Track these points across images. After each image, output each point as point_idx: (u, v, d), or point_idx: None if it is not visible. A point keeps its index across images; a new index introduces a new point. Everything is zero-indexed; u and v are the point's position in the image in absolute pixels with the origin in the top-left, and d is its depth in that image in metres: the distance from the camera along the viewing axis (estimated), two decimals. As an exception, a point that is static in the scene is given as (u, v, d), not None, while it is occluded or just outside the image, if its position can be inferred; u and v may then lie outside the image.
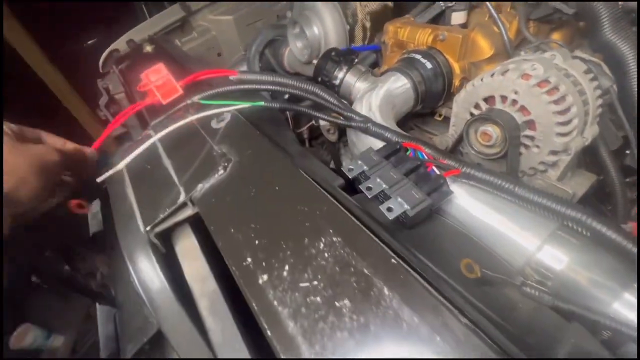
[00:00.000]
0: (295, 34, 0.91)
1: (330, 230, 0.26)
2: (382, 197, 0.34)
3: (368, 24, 0.88)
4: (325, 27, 0.85)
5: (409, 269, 0.23)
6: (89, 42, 2.39)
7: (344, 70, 0.61)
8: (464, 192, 0.37)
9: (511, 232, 0.34)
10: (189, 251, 0.35)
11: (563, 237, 0.31)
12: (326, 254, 0.25)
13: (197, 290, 0.31)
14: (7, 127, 0.40)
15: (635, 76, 0.50)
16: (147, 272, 0.32)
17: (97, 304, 0.46)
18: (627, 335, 0.25)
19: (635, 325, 0.26)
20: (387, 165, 0.36)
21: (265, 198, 0.31)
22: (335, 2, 0.85)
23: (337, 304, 0.22)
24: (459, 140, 0.53)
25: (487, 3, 0.61)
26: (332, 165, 0.85)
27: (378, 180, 0.34)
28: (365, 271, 0.23)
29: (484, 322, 0.21)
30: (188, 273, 0.33)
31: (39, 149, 0.38)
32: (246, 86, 0.45)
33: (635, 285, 0.28)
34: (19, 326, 0.97)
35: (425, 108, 0.65)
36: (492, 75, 0.47)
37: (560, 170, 0.47)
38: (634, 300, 0.27)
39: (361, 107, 0.54)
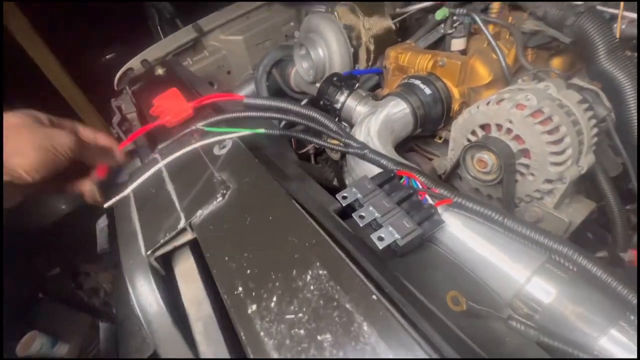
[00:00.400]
0: (302, 55, 0.95)
1: (317, 263, 0.28)
2: (375, 225, 0.35)
3: (372, 47, 0.91)
4: (330, 50, 0.88)
5: (389, 306, 0.24)
6: (107, 57, 2.49)
7: (345, 94, 0.63)
8: (457, 221, 0.38)
9: (502, 263, 0.34)
10: (187, 274, 0.36)
11: (552, 271, 0.32)
12: (312, 287, 0.26)
13: (193, 314, 0.32)
14: (39, 116, 0.42)
15: (634, 105, 0.51)
16: (146, 295, 0.34)
17: (100, 321, 0.48)
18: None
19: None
20: (381, 194, 0.37)
21: (259, 227, 0.33)
22: (340, 26, 0.88)
23: (319, 337, 0.23)
24: (457, 165, 0.54)
25: (486, 31, 0.62)
26: (335, 182, 0.87)
27: (371, 208, 0.35)
28: (347, 306, 0.24)
29: (460, 357, 0.21)
30: (185, 296, 0.34)
31: (52, 132, 0.40)
32: (251, 113, 0.47)
33: (622, 323, 0.28)
34: (26, 334, 1.00)
35: (425, 131, 0.66)
36: (488, 103, 0.48)
37: (557, 198, 0.47)
38: (621, 337, 0.28)
39: (361, 131, 0.56)
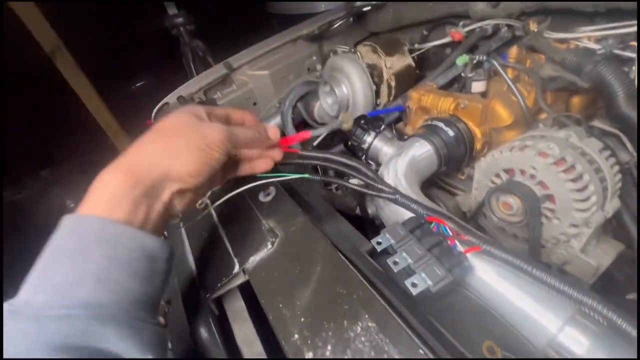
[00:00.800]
0: (326, 91, 1.01)
1: (366, 316, 0.31)
2: (408, 270, 0.38)
3: (393, 83, 0.96)
4: (353, 87, 0.94)
5: (434, 359, 0.26)
6: (137, 85, 2.66)
7: (372, 136, 0.67)
8: (487, 267, 0.40)
9: (532, 310, 0.36)
10: (237, 315, 0.40)
11: (582, 322, 0.33)
12: (363, 338, 0.29)
13: (246, 352, 0.36)
14: (198, 112, 0.40)
15: (656, 149, 0.52)
16: (205, 333, 0.37)
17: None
18: None
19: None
20: (412, 240, 0.40)
21: (308, 277, 0.36)
22: (363, 65, 0.94)
23: (374, 387, 0.26)
24: (481, 205, 0.56)
25: (506, 76, 0.66)
26: (357, 210, 0.90)
27: (404, 254, 0.38)
28: (397, 358, 0.27)
29: None
30: (238, 335, 0.38)
31: (205, 128, 0.38)
32: (304, 161, 0.50)
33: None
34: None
35: (449, 170, 0.69)
36: (512, 149, 0.51)
37: (583, 241, 0.49)
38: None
39: (389, 172, 0.60)
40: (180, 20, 1.30)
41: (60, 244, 0.31)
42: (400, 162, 0.61)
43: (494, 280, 0.39)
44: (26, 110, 1.96)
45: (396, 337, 0.28)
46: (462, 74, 0.73)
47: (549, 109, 0.61)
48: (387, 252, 0.41)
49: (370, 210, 0.86)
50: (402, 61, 0.96)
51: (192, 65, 1.34)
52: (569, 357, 0.33)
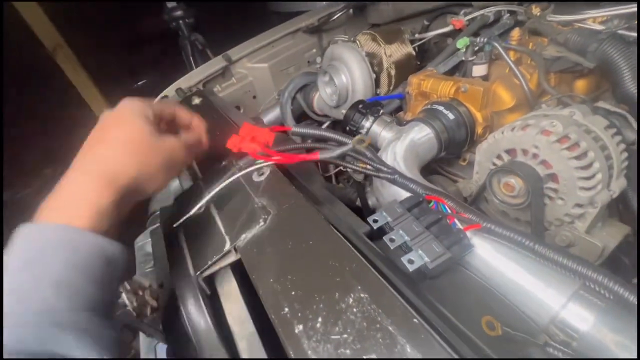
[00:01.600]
0: (325, 81, 1.00)
1: (359, 287, 0.29)
2: (405, 248, 0.37)
3: (393, 72, 0.95)
4: (352, 76, 0.93)
5: (430, 329, 0.25)
6: (139, 83, 2.67)
7: (371, 120, 0.66)
8: (487, 245, 0.39)
9: (534, 288, 0.35)
10: (230, 294, 0.39)
11: (587, 298, 0.32)
12: (355, 309, 0.28)
13: (237, 332, 0.35)
14: (148, 109, 0.42)
15: (663, 128, 0.51)
16: (195, 312, 0.36)
17: (141, 336, 0.50)
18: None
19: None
20: (410, 218, 0.38)
21: (300, 251, 0.35)
22: (362, 54, 0.93)
23: (364, 357, 0.25)
24: (483, 188, 0.55)
25: (507, 58, 0.64)
26: (358, 202, 0.89)
27: (401, 232, 0.37)
28: (390, 329, 0.26)
29: None
30: (229, 314, 0.37)
31: (168, 143, 0.42)
32: (297, 145, 0.51)
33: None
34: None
35: (449, 154, 0.67)
36: (513, 129, 0.50)
37: (588, 222, 0.47)
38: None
39: (387, 156, 0.58)
40: (179, 13, 1.30)
41: (18, 252, 0.31)
42: (399, 146, 0.59)
43: (494, 259, 0.38)
44: (27, 108, 1.97)
45: (389, 307, 0.27)
46: (463, 58, 0.71)
47: (552, 90, 0.59)
48: (384, 232, 0.40)
49: (371, 202, 0.84)
50: (402, 49, 0.95)
51: (191, 59, 1.34)
52: (574, 334, 0.31)
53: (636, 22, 0.59)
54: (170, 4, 1.31)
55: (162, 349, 0.48)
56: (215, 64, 1.20)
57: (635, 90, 0.52)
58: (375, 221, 0.39)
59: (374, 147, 0.68)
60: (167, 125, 0.48)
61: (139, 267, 0.65)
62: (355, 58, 0.91)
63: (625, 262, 0.53)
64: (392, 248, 0.36)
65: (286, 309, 0.30)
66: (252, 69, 1.29)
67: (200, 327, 0.35)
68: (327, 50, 1.00)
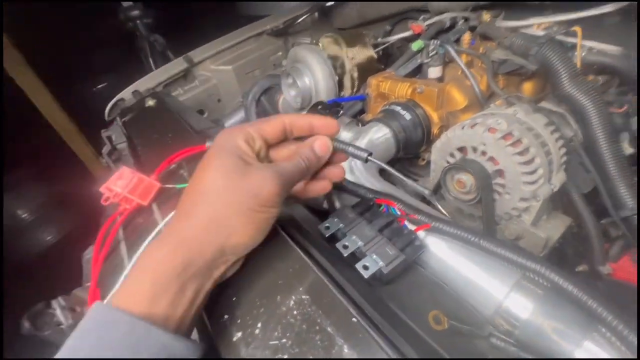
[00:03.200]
0: (289, 84, 0.99)
1: (300, 288, 0.28)
2: (359, 254, 0.36)
3: (356, 74, 0.96)
4: (315, 78, 0.93)
5: (368, 328, 0.25)
6: (98, 87, 2.52)
7: (330, 121, 0.65)
8: (440, 243, 0.39)
9: (481, 280, 0.36)
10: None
11: (527, 287, 0.33)
12: (295, 312, 0.27)
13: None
14: (242, 133, 0.32)
15: (597, 125, 0.54)
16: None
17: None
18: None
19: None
20: (362, 222, 0.38)
21: (246, 256, 0.34)
22: (325, 56, 0.93)
23: (301, 361, 0.24)
24: (438, 186, 0.56)
25: (459, 60, 0.67)
26: (325, 204, 0.88)
27: (354, 237, 0.36)
28: (329, 329, 0.25)
29: None
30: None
31: (253, 183, 0.30)
32: None
33: (595, 335, 0.29)
34: None
35: (408, 154, 0.69)
36: (463, 128, 0.52)
37: (533, 215, 0.50)
38: (594, 348, 0.29)
39: (345, 157, 0.58)
40: (136, 13, 1.24)
41: (78, 343, 0.26)
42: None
43: (446, 256, 0.39)
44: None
45: (330, 307, 0.26)
46: (419, 60, 0.73)
47: (499, 91, 0.62)
48: (337, 238, 0.39)
49: (338, 204, 0.84)
50: (364, 52, 0.96)
51: (150, 61, 1.28)
52: (516, 322, 0.32)
53: (575, 28, 0.64)
54: (125, 4, 1.25)
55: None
56: (176, 65, 1.15)
57: (572, 91, 0.56)
58: (327, 228, 0.39)
59: (335, 148, 0.68)
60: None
61: (85, 280, 0.60)
62: (318, 60, 0.91)
63: (568, 253, 0.57)
64: (345, 255, 0.35)
65: (226, 317, 0.29)
66: (215, 71, 1.26)
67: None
68: (290, 52, 1.00)
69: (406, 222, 0.40)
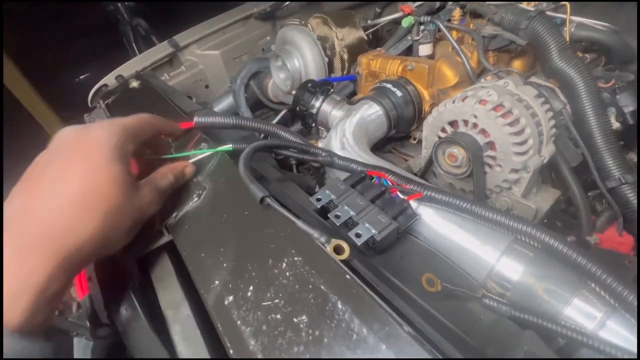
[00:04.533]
0: (278, 66, 0.97)
1: (293, 251, 0.28)
2: (351, 224, 0.36)
3: (346, 56, 0.94)
4: (305, 60, 0.91)
5: (361, 284, 0.24)
6: (81, 77, 2.44)
7: (320, 99, 0.64)
8: (432, 212, 0.39)
9: (473, 246, 0.36)
10: (164, 278, 0.35)
11: (518, 250, 0.33)
12: (287, 273, 0.26)
13: (171, 316, 0.32)
14: (127, 143, 0.33)
15: (586, 99, 0.55)
16: (122, 303, 0.33)
17: (74, 336, 0.45)
18: (579, 342, 0.27)
19: (586, 331, 0.28)
20: (354, 193, 0.38)
21: (235, 222, 0.33)
22: (314, 37, 0.91)
23: (295, 320, 0.24)
24: (430, 161, 0.56)
25: (449, 35, 0.66)
26: (317, 189, 0.88)
27: (345, 207, 0.36)
28: (322, 287, 0.25)
29: (429, 331, 0.22)
30: (163, 300, 0.33)
31: (149, 199, 0.34)
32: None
33: (584, 292, 0.29)
34: None
35: (399, 132, 0.68)
36: (454, 101, 0.51)
37: (523, 187, 0.50)
38: (584, 305, 0.29)
39: (336, 134, 0.57)
40: (117, -5, 1.19)
41: None
42: (349, 123, 0.59)
43: (438, 224, 0.39)
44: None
45: (323, 267, 0.26)
46: (409, 37, 0.72)
47: (490, 66, 0.62)
48: (328, 210, 0.38)
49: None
50: (353, 33, 0.94)
51: (134, 45, 1.24)
52: (507, 285, 0.32)
53: (564, 2, 0.64)
54: (106, -15, 1.20)
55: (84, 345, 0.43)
56: (161, 50, 1.12)
57: (561, 64, 0.56)
58: (318, 200, 0.38)
59: (325, 127, 0.67)
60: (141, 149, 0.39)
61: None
62: (307, 41, 0.89)
63: (558, 225, 0.58)
64: (338, 224, 0.35)
65: (217, 282, 0.28)
66: (202, 56, 1.22)
67: (129, 318, 0.31)
68: (278, 34, 0.98)
69: (398, 193, 0.39)
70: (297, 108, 0.68)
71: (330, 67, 0.95)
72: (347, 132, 0.57)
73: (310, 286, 0.25)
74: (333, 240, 0.30)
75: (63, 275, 0.27)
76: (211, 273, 0.29)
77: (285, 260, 0.27)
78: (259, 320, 0.24)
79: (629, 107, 0.62)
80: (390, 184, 0.41)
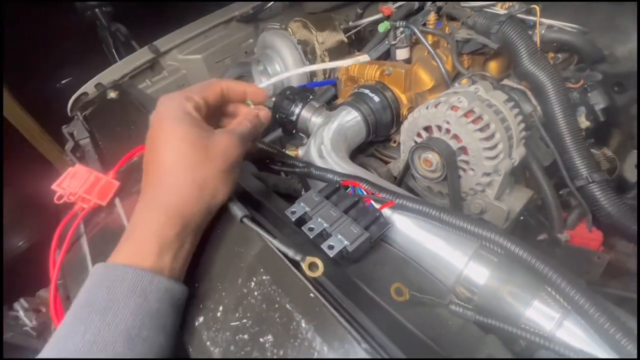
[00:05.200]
0: (260, 71, 0.97)
1: (261, 269, 0.29)
2: (325, 235, 0.37)
3: (327, 59, 0.95)
4: (286, 64, 0.91)
5: (325, 302, 0.25)
6: (62, 82, 2.39)
7: (300, 107, 0.65)
8: (405, 220, 0.41)
9: (444, 252, 0.37)
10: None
11: (484, 255, 0.35)
12: (256, 293, 0.27)
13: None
14: (188, 105, 0.35)
15: (554, 100, 0.57)
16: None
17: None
18: (537, 344, 0.28)
19: (543, 333, 0.29)
20: (328, 205, 0.39)
21: (206, 242, 0.34)
22: (294, 41, 0.92)
23: (261, 339, 0.24)
24: (407, 166, 0.57)
25: (424, 40, 0.68)
26: (303, 192, 0.88)
27: (319, 219, 0.37)
28: (288, 306, 0.25)
29: (388, 345, 0.23)
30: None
31: (227, 144, 0.35)
32: None
33: (543, 294, 0.31)
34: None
35: (379, 137, 0.69)
36: (427, 107, 0.52)
37: (496, 189, 0.52)
38: (543, 307, 0.31)
39: (314, 142, 0.58)
40: (93, 1, 1.17)
41: (89, 298, 0.29)
42: (327, 130, 0.60)
43: (411, 230, 0.40)
44: None
45: (290, 286, 0.27)
46: (386, 42, 0.73)
47: (463, 70, 0.64)
48: (304, 222, 0.39)
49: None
50: (334, 37, 0.95)
51: (113, 52, 1.22)
52: (475, 289, 0.34)
53: (534, 5, 0.65)
54: (82, -9, 1.17)
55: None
56: (141, 56, 1.10)
57: (530, 68, 0.58)
58: (293, 213, 0.39)
59: (306, 134, 0.68)
60: (215, 111, 0.40)
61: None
62: (287, 45, 0.89)
63: (531, 223, 0.60)
64: (311, 237, 0.36)
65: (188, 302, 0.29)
66: (185, 61, 1.21)
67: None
68: (259, 39, 0.98)
69: (372, 202, 0.40)
70: (277, 115, 0.68)
71: (312, 71, 0.96)
72: (325, 139, 0.58)
73: (277, 305, 0.26)
74: (308, 258, 0.30)
75: (176, 227, 0.31)
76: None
77: (254, 279, 0.28)
78: (227, 340, 0.25)
79: (600, 104, 0.64)
80: (365, 193, 0.42)
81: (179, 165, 0.33)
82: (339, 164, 0.56)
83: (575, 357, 0.27)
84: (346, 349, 0.22)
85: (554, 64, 0.67)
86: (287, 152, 0.60)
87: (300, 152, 0.61)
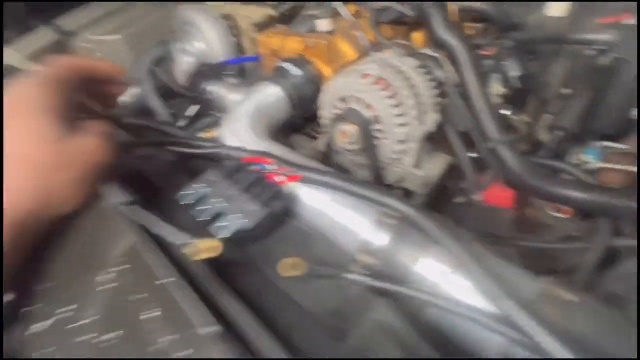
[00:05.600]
0: (181, 50, 0.89)
1: (122, 259, 0.26)
2: (218, 215, 0.34)
3: (255, 35, 0.89)
4: (207, 40, 0.84)
5: (177, 287, 0.23)
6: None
7: (215, 84, 0.60)
8: (312, 192, 0.39)
9: (348, 221, 0.37)
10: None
11: (384, 220, 0.35)
12: (114, 284, 0.24)
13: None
14: (54, 93, 0.30)
15: (466, 66, 0.58)
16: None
17: None
18: (424, 301, 0.29)
19: (428, 289, 0.30)
20: (225, 183, 0.36)
21: (64, 234, 0.30)
22: (215, 14, 0.85)
23: (104, 337, 0.22)
24: (329, 140, 0.56)
25: (342, 10, 0.65)
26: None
27: (212, 200, 0.34)
28: (139, 296, 0.23)
29: (244, 325, 0.22)
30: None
31: (90, 146, 0.31)
32: None
33: (431, 249, 0.32)
34: None
35: (305, 113, 0.67)
36: (339, 77, 0.51)
37: (413, 157, 0.52)
38: (430, 261, 0.31)
39: (229, 120, 0.54)
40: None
41: None
42: (245, 107, 0.56)
43: (317, 203, 0.39)
44: None
45: (147, 273, 0.24)
46: (309, 12, 0.70)
47: (383, 39, 0.63)
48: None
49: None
50: (260, 10, 0.89)
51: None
52: (376, 255, 0.33)
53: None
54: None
55: None
56: (41, 37, 0.97)
57: (443, 35, 0.58)
58: (185, 195, 0.36)
59: (225, 112, 0.64)
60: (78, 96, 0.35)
61: None
62: (207, 19, 0.82)
63: (451, 188, 0.62)
64: (202, 218, 0.33)
65: (40, 305, 0.25)
66: (98, 42, 1.08)
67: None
68: (176, 15, 0.89)
69: (276, 177, 0.38)
70: (195, 94, 0.63)
71: (241, 49, 0.90)
72: (243, 116, 0.54)
73: (133, 295, 0.23)
74: (196, 241, 0.28)
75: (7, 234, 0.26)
76: (34, 295, 0.26)
77: (114, 270, 0.25)
78: (73, 342, 0.22)
79: (515, 71, 0.67)
80: (269, 168, 0.40)
81: (21, 168, 0.28)
82: (256, 142, 0.53)
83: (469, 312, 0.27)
84: (187, 335, 0.20)
85: (469, 33, 0.69)
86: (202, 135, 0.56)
87: (215, 134, 0.57)
